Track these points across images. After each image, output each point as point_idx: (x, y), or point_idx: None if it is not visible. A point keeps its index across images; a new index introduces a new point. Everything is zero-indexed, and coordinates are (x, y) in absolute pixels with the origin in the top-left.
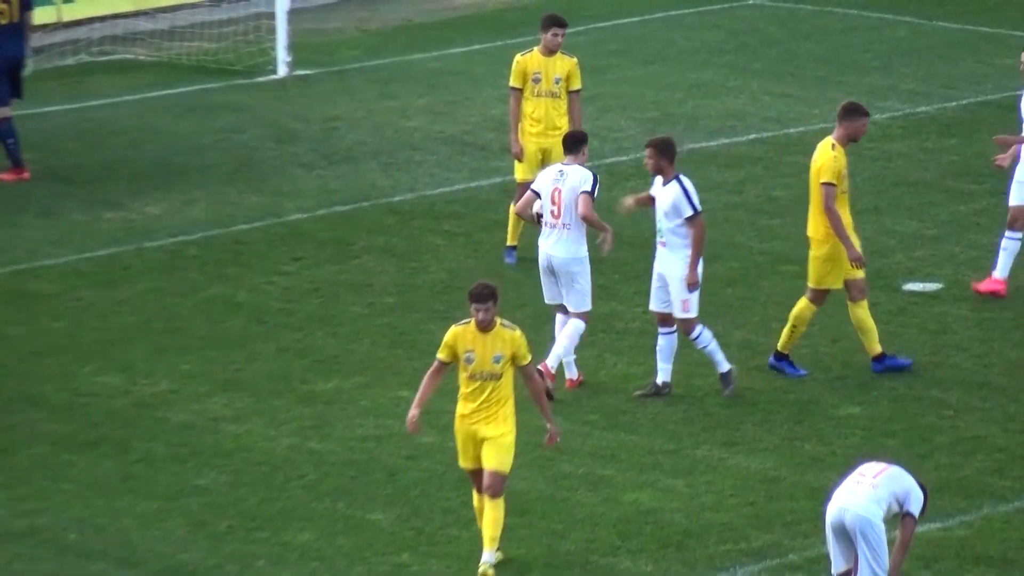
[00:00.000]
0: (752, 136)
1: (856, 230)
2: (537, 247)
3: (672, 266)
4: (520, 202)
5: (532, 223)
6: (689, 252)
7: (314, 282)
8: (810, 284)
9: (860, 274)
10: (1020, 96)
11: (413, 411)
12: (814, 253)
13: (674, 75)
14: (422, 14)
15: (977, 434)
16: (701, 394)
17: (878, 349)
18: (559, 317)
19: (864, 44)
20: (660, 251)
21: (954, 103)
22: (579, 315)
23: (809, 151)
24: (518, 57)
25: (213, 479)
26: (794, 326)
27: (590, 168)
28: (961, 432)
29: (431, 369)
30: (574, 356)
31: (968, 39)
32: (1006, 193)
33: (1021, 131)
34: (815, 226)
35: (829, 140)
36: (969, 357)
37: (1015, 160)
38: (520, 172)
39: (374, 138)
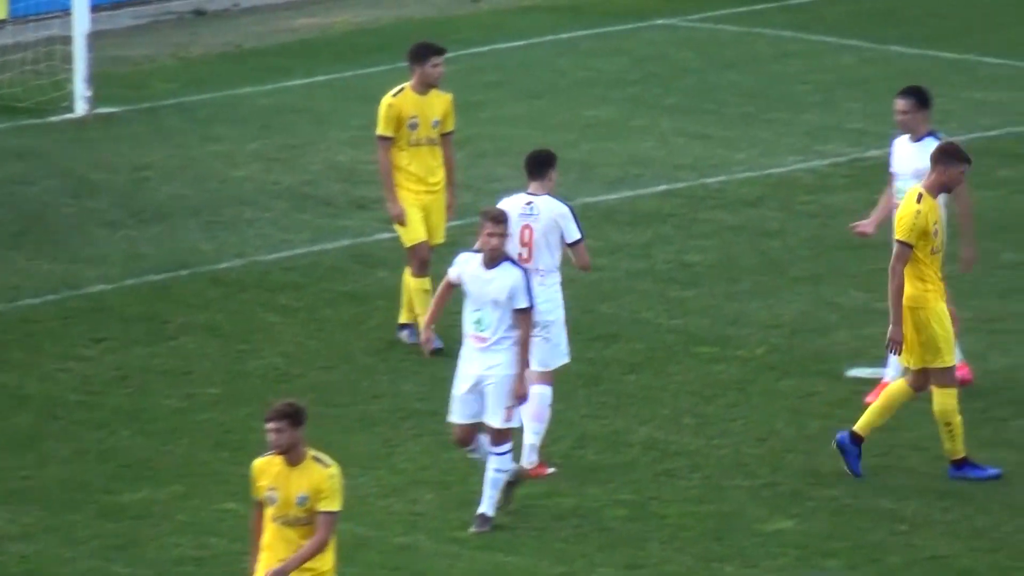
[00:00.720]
0: (662, 187)
1: (949, 299)
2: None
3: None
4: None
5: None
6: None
7: (120, 369)
8: (932, 366)
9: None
10: (893, 146)
11: None
12: (916, 329)
13: (565, 112)
14: (253, 38)
15: (937, 553)
16: (597, 504)
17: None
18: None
19: (800, 73)
20: (476, 347)
21: None
22: (545, 376)
23: (732, 205)
24: (390, 100)
25: None
26: (946, 424)
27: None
28: (918, 551)
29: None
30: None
31: (928, 68)
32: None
33: (894, 187)
34: (911, 291)
35: (916, 190)
36: (928, 459)
37: (878, 226)
38: (408, 235)
39: (194, 191)
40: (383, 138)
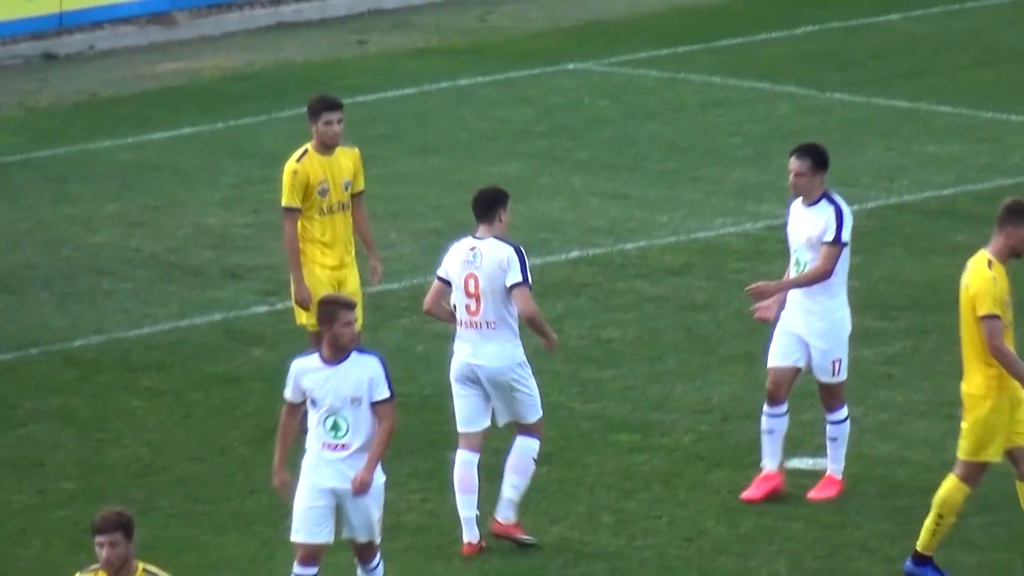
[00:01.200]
0: (574, 254)
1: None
2: (451, 354)
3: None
4: (428, 297)
5: (448, 321)
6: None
7: None
8: (963, 456)
9: None
10: (789, 214)
11: None
12: (972, 416)
13: (464, 169)
14: (110, 85)
15: None
16: None
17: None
18: (462, 456)
19: (731, 124)
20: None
21: (855, 206)
22: (529, 428)
23: (654, 273)
24: (295, 166)
25: None
26: (940, 516)
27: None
28: None
29: None
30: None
31: (875, 117)
32: (929, 332)
33: (790, 260)
34: (974, 378)
35: (984, 256)
36: (877, 561)
37: (781, 307)
38: (308, 318)
39: (45, 259)
40: (290, 209)
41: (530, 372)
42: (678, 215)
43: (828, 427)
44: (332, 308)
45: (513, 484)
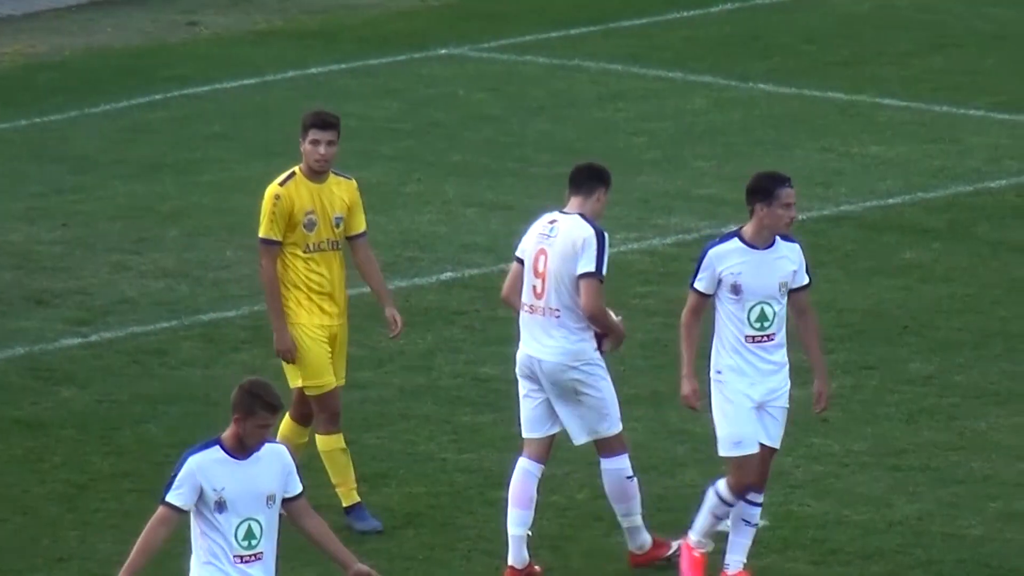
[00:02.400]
0: (447, 275)
1: None
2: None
3: None
4: (506, 282)
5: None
6: None
7: None
8: None
9: None
10: (735, 255)
11: None
12: None
13: None
14: None
15: None
16: None
17: None
18: (521, 465)
19: (634, 121)
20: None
21: None
22: (609, 445)
23: None
24: (277, 189)
25: None
26: None
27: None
28: None
29: None
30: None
31: (807, 112)
32: (872, 368)
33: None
34: None
35: None
36: None
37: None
38: (310, 377)
39: None
40: (269, 242)
41: (604, 374)
42: None
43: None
44: (252, 402)
45: (623, 513)
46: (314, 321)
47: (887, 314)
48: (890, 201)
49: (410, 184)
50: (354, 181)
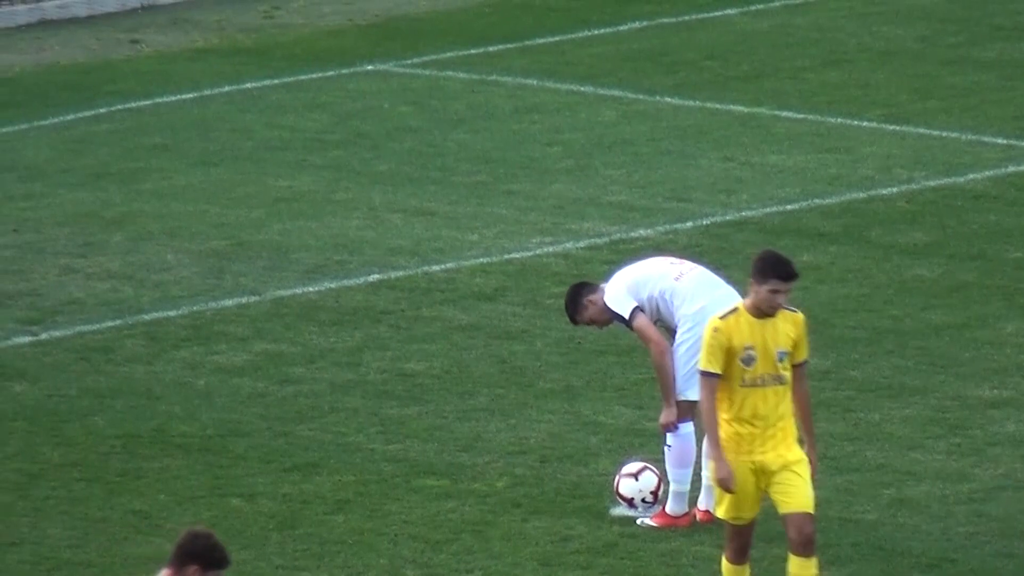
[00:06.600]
0: (374, 277)
1: None
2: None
3: None
4: None
5: None
6: None
7: None
8: None
9: None
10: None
11: None
12: None
13: (251, 183)
14: None
15: None
16: None
17: None
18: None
19: (548, 132)
20: None
21: (689, 223)
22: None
23: (463, 299)
24: (717, 324)
25: None
26: None
27: None
28: None
29: None
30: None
31: (710, 124)
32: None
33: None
34: None
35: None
36: None
37: None
38: (729, 509)
39: None
40: (710, 375)
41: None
42: (490, 234)
43: None
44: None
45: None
46: (743, 451)
47: None
48: (788, 207)
49: (339, 192)
50: (800, 315)
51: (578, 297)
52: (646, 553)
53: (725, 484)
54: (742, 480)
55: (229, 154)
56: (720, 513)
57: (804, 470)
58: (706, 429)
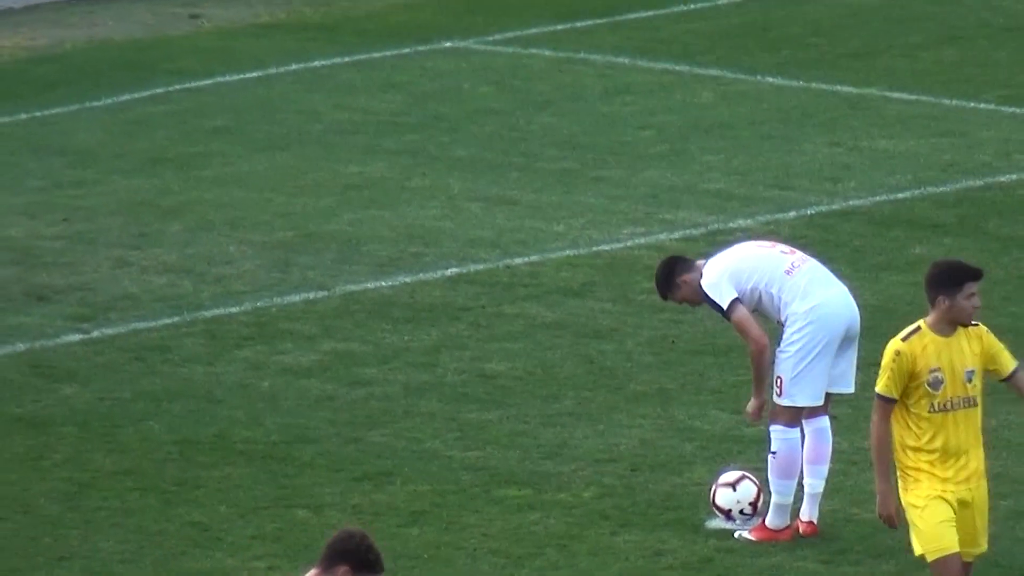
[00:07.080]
0: (452, 271)
1: None
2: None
3: None
4: None
5: None
6: None
7: None
8: None
9: None
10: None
11: None
12: None
13: (319, 169)
14: None
15: None
16: None
17: None
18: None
19: (641, 114)
20: None
21: (792, 213)
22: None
23: (548, 294)
24: (900, 347)
25: None
26: None
27: None
28: None
29: None
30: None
31: (815, 106)
32: None
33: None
34: None
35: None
36: None
37: None
38: (929, 542)
39: None
40: (886, 399)
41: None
42: (577, 224)
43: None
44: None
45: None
46: (936, 482)
47: (897, 310)
48: (899, 196)
49: (414, 179)
50: (984, 328)
51: (671, 275)
52: (744, 569)
53: (889, 521)
54: (933, 505)
55: (295, 138)
56: (918, 549)
57: (985, 508)
58: (875, 456)
